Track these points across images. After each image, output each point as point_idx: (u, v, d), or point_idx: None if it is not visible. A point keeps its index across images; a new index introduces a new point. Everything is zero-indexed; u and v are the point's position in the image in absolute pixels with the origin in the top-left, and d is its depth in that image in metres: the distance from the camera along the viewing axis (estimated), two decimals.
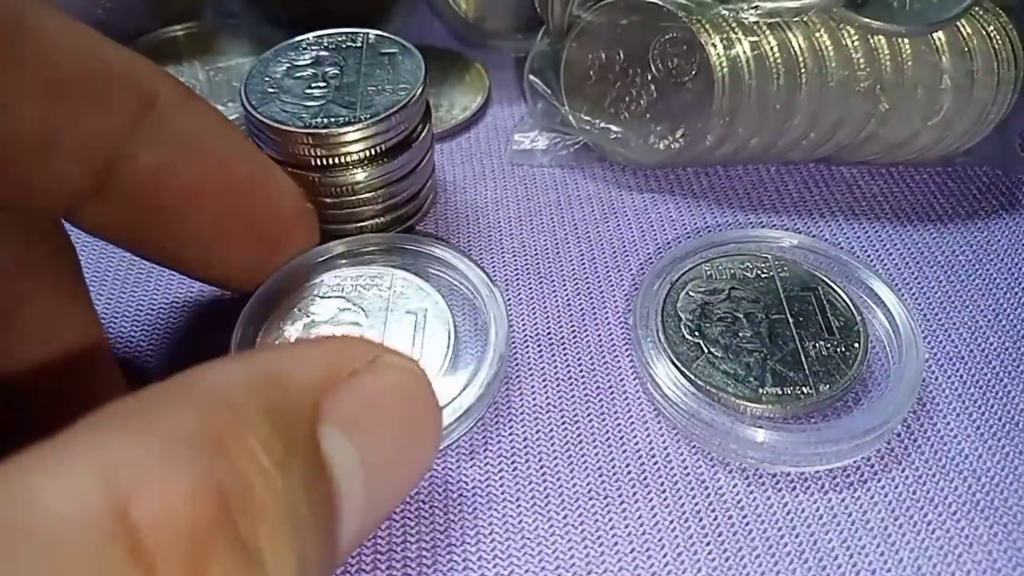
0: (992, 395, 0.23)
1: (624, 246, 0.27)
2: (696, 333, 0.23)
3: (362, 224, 0.27)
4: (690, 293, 0.24)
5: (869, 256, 0.27)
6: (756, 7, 0.27)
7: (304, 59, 0.27)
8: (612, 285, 0.26)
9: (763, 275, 0.25)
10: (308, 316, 0.23)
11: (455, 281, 0.25)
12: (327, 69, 0.26)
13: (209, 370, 0.11)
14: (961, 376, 0.23)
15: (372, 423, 0.13)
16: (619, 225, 0.28)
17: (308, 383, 0.12)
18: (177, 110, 0.18)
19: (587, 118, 0.30)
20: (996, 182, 0.29)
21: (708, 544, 0.20)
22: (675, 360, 0.23)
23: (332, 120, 0.24)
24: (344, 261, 0.25)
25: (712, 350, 0.23)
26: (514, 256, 0.27)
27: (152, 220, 0.18)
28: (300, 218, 0.23)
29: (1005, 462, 0.21)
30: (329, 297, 0.24)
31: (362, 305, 0.23)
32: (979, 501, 0.21)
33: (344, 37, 0.27)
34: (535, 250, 0.27)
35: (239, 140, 0.20)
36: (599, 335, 0.25)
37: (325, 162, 0.25)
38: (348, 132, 0.24)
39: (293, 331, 0.23)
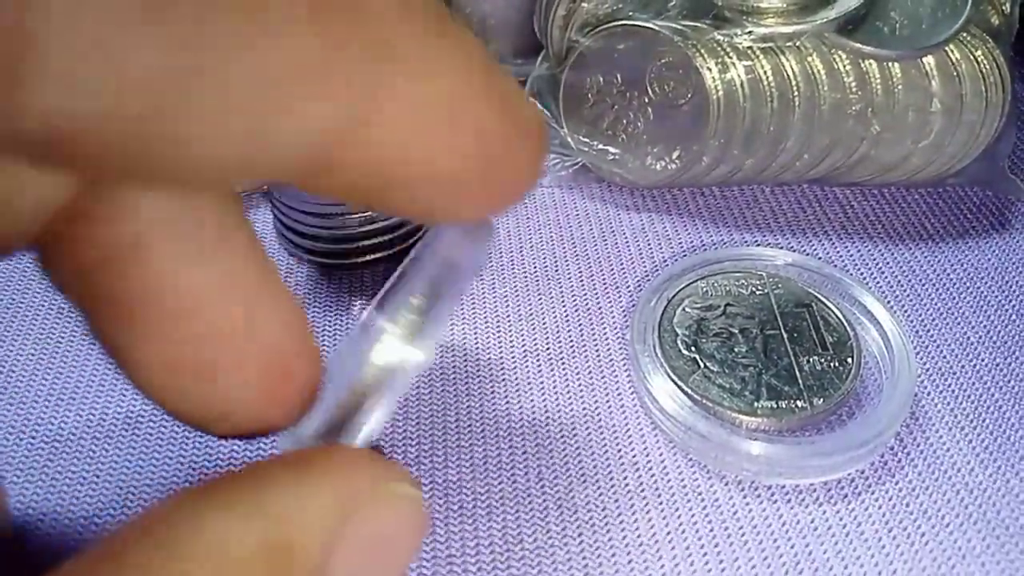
0: (984, 409, 0.23)
1: (622, 264, 0.28)
2: (692, 348, 0.24)
3: (366, 243, 0.27)
4: (686, 309, 0.25)
5: (862, 274, 0.27)
6: (750, 32, 0.27)
7: None
8: (610, 302, 0.27)
9: (758, 292, 0.25)
10: None
11: None
12: None
13: (207, 529, 0.10)
14: (953, 391, 0.24)
15: (372, 566, 0.13)
16: (617, 243, 0.29)
17: (314, 539, 0.12)
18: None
19: (585, 140, 0.30)
20: (986, 202, 0.30)
21: (705, 555, 0.20)
22: (672, 374, 0.23)
23: None
24: None
25: (708, 364, 0.23)
26: (513, 273, 0.28)
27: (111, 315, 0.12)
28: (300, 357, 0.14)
29: (997, 475, 0.22)
30: None
31: None
32: (971, 513, 0.21)
33: None
34: (534, 268, 0.28)
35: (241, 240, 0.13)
36: (597, 351, 0.25)
37: None
38: None
39: None
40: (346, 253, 0.28)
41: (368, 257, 0.28)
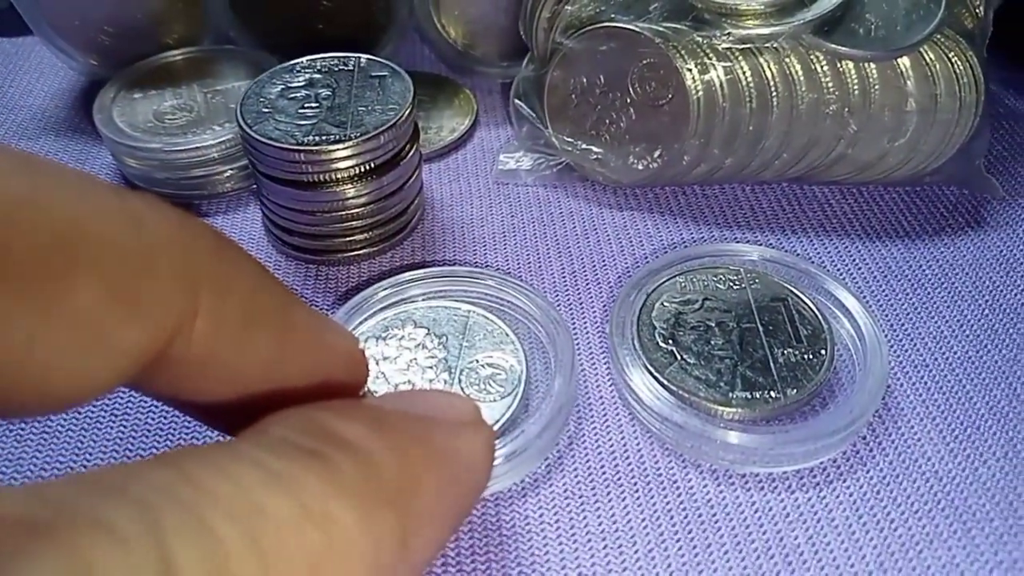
0: (955, 400, 0.24)
1: (603, 260, 0.28)
2: (670, 341, 0.24)
3: (352, 239, 0.28)
4: (664, 304, 0.25)
5: (839, 271, 0.28)
6: (729, 34, 0.28)
7: (298, 81, 0.28)
8: (591, 296, 0.27)
9: (735, 287, 0.26)
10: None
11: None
12: (320, 91, 0.27)
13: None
14: (925, 383, 0.24)
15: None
16: (599, 240, 0.29)
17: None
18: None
19: (569, 140, 0.31)
20: (962, 201, 0.31)
21: (679, 541, 0.21)
22: (649, 366, 0.24)
23: (323, 138, 0.26)
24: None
25: (685, 357, 0.24)
26: (498, 270, 0.28)
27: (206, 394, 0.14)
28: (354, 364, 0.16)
29: (966, 464, 0.22)
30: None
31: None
32: (940, 501, 0.21)
33: (337, 61, 0.29)
34: (518, 264, 0.28)
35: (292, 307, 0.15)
36: (577, 343, 0.26)
37: (317, 178, 0.26)
38: (339, 149, 0.26)
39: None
40: (333, 249, 0.28)
41: (354, 253, 0.28)
